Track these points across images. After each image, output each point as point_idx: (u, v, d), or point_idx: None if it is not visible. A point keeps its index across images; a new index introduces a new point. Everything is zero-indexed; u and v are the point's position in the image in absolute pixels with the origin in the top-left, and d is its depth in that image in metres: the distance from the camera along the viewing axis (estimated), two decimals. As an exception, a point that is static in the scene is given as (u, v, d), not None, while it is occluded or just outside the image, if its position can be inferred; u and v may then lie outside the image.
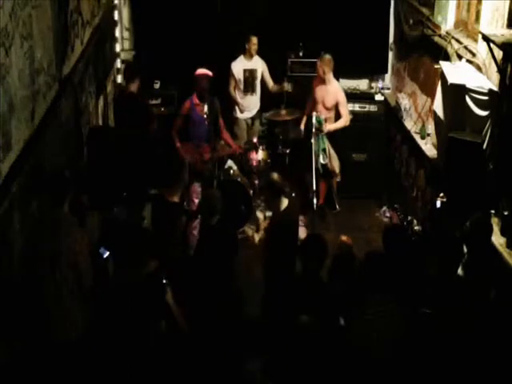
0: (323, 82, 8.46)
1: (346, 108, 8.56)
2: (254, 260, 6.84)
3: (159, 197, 6.37)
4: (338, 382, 4.80)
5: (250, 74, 8.96)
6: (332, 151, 8.47)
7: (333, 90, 8.46)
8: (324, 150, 8.28)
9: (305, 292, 5.15)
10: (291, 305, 5.12)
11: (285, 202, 6.13)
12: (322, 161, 8.32)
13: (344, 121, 8.51)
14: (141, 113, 7.83)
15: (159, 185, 6.53)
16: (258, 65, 9.00)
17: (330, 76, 8.44)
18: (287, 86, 8.83)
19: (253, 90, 9.04)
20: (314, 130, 7.99)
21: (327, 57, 8.37)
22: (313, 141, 8.00)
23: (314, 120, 8.11)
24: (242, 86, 8.99)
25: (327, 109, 8.48)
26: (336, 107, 8.50)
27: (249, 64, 8.96)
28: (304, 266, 5.23)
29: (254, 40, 8.79)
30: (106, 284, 5.26)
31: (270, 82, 9.09)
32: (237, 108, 9.08)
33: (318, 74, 8.45)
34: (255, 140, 8.70)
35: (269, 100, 9.10)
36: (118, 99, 8.12)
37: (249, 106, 9.09)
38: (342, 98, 8.51)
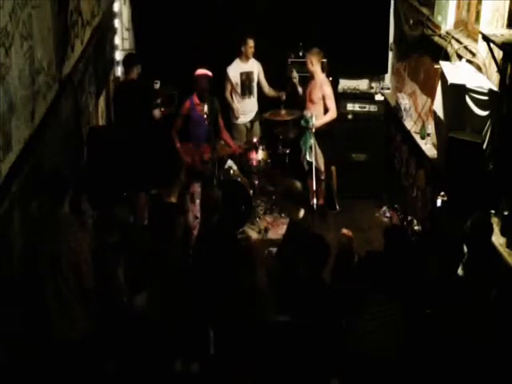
0: (311, 76, 8.49)
1: (333, 101, 8.51)
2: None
3: (157, 197, 6.37)
4: (338, 382, 4.81)
5: (246, 77, 8.90)
6: (318, 149, 8.46)
7: (319, 83, 8.44)
8: (310, 147, 8.28)
9: (306, 293, 5.16)
10: (292, 305, 5.12)
11: (302, 212, 6.11)
12: (308, 158, 8.33)
13: (331, 115, 8.46)
14: (142, 93, 7.82)
15: (157, 185, 6.53)
16: (254, 67, 8.96)
17: (317, 69, 8.45)
18: (294, 75, 8.76)
19: (250, 93, 8.99)
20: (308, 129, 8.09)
21: (316, 49, 8.45)
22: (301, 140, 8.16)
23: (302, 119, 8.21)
24: (239, 90, 8.92)
25: (314, 102, 8.45)
26: (324, 102, 8.47)
27: (245, 67, 8.91)
28: (305, 266, 5.23)
29: (251, 42, 8.74)
30: (108, 284, 5.26)
31: (266, 86, 9.02)
32: (233, 113, 8.98)
33: (307, 66, 8.47)
34: (255, 140, 8.70)
35: (268, 100, 9.09)
36: (119, 88, 8.11)
37: (246, 109, 9.02)
38: (328, 91, 8.47)
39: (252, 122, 9.07)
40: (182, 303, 5.50)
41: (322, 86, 8.44)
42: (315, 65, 8.44)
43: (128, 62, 8.09)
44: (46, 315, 4.67)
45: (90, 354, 4.77)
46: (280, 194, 6.03)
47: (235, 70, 8.89)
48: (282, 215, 8.64)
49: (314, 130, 8.21)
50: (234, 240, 6.15)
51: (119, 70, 8.74)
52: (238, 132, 9.03)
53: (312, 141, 8.26)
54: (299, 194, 6.13)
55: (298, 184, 6.24)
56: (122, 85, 8.27)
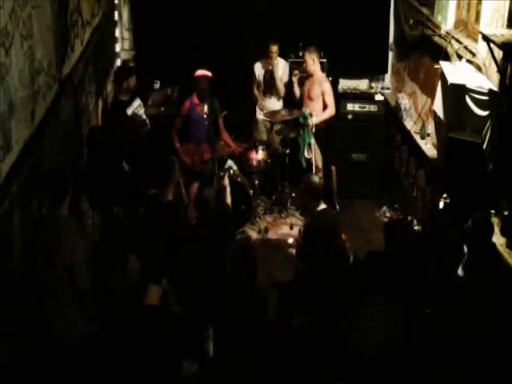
0: (310, 74, 8.51)
1: (331, 97, 8.53)
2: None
3: (154, 197, 6.33)
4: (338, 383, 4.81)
5: (270, 76, 8.90)
6: (316, 146, 8.45)
7: (317, 80, 8.48)
8: (309, 144, 8.27)
9: (306, 293, 5.16)
10: (292, 306, 5.12)
11: (322, 205, 6.07)
12: (306, 155, 8.32)
13: (329, 111, 8.49)
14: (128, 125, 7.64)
15: (151, 185, 6.49)
16: (280, 66, 8.94)
17: (316, 66, 8.50)
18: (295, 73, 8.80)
19: (271, 94, 8.95)
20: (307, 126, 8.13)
21: (313, 47, 8.50)
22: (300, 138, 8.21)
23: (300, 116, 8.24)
24: (262, 89, 8.93)
25: (312, 99, 8.46)
26: (322, 98, 8.47)
27: (270, 66, 8.88)
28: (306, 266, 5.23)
29: (274, 48, 8.70)
30: (107, 285, 5.26)
31: (282, 88, 8.94)
32: (257, 109, 8.98)
33: (306, 64, 8.47)
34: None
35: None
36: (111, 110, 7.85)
37: (268, 109, 8.92)
38: (327, 88, 8.50)
39: (273, 122, 8.95)
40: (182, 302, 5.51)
41: (321, 82, 8.47)
42: (316, 63, 8.47)
43: (119, 74, 7.93)
44: (44, 315, 4.67)
45: (88, 355, 4.76)
46: (302, 191, 6.01)
47: (260, 69, 8.92)
48: (282, 215, 8.65)
49: (312, 128, 8.20)
50: (225, 239, 6.16)
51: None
52: (257, 130, 9.00)
53: (310, 138, 8.26)
54: (319, 188, 6.13)
55: (317, 178, 6.24)
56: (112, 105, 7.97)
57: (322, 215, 6.00)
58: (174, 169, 6.34)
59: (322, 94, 8.46)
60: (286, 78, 8.97)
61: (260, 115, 9.01)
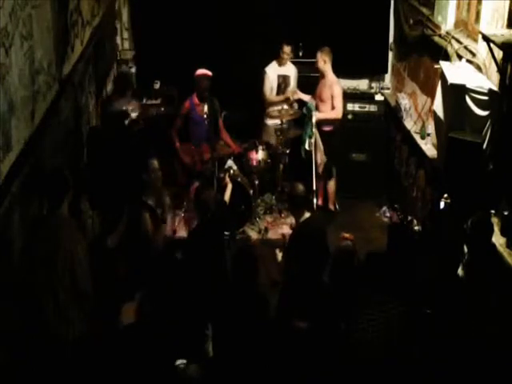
0: (322, 75, 8.43)
1: (340, 101, 8.44)
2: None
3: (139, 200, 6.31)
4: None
5: (283, 80, 8.84)
6: (320, 143, 8.40)
7: (329, 82, 8.39)
8: (310, 136, 8.22)
9: (305, 294, 5.16)
10: (292, 307, 5.12)
11: (306, 214, 6.03)
12: (306, 147, 8.27)
13: (335, 113, 8.39)
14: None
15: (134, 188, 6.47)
16: (292, 71, 8.91)
17: (328, 67, 8.39)
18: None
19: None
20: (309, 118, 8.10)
21: (327, 48, 8.36)
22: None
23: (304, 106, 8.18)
24: (274, 92, 8.85)
25: (323, 101, 8.40)
26: (331, 101, 8.42)
27: (283, 70, 8.84)
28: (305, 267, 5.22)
29: (287, 50, 8.66)
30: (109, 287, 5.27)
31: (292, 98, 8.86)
32: (267, 116, 8.83)
33: (318, 65, 8.39)
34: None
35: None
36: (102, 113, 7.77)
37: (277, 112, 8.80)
38: (337, 91, 8.41)
39: (282, 124, 8.75)
40: (180, 303, 5.51)
41: (331, 85, 8.36)
42: (327, 63, 8.35)
43: (121, 83, 7.86)
44: (43, 315, 4.66)
45: (86, 355, 4.76)
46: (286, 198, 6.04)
47: (273, 72, 8.82)
48: (282, 215, 8.65)
49: (314, 121, 8.14)
50: (221, 240, 6.17)
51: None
52: (267, 134, 8.90)
53: (312, 130, 8.20)
54: (300, 197, 6.09)
55: (300, 187, 6.15)
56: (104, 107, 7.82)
57: (308, 224, 5.96)
58: (153, 173, 6.28)
59: (332, 97, 8.39)
60: (295, 81, 8.95)
61: (270, 121, 8.85)
